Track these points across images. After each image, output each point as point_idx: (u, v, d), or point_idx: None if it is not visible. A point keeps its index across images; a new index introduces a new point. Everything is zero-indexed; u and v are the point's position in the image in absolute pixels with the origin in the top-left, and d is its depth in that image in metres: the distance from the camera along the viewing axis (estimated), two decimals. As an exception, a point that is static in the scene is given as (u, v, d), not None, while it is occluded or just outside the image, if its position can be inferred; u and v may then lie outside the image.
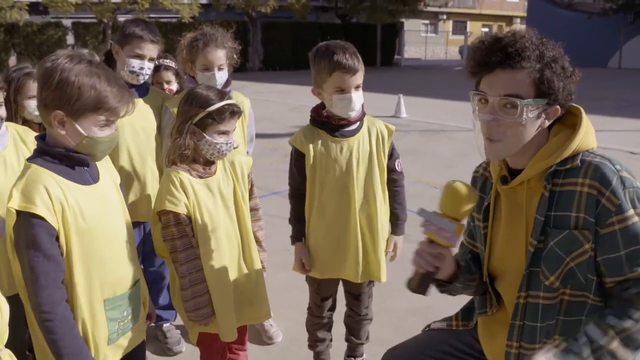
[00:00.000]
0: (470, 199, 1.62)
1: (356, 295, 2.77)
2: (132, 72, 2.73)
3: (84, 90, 1.70)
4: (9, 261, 1.78)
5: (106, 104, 1.74)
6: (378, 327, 3.38)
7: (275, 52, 29.39)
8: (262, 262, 2.51)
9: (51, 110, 1.72)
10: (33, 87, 2.70)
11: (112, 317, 1.88)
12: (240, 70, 26.31)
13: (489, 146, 1.66)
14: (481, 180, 1.89)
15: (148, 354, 3.13)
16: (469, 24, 46.41)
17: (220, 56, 2.82)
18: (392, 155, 2.65)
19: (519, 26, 46.78)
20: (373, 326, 3.06)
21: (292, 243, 2.68)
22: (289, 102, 14.20)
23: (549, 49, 1.61)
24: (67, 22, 24.91)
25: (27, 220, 1.68)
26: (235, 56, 2.93)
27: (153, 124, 2.85)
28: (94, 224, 1.80)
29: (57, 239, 1.72)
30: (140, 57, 2.73)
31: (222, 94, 2.25)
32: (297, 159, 2.56)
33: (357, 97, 2.43)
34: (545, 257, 1.63)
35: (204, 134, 2.19)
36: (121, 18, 25.40)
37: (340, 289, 2.80)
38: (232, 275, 2.32)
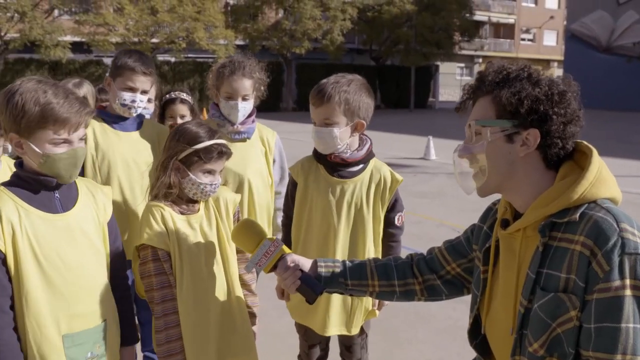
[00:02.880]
0: (243, 230, 1.87)
1: (347, 346, 2.57)
2: (124, 105, 2.64)
3: (27, 106, 1.66)
4: None
5: (52, 116, 1.67)
6: (382, 380, 3.17)
7: (309, 92, 29.51)
8: (250, 307, 2.35)
9: (8, 133, 1.71)
10: None
11: (72, 356, 1.78)
12: (273, 109, 26.80)
13: (474, 179, 1.54)
14: (492, 218, 1.68)
15: (137, 398, 2.99)
16: (505, 67, 46.31)
17: (247, 86, 2.72)
18: (394, 208, 2.45)
19: (556, 71, 46.53)
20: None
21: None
22: (318, 141, 14.19)
23: (523, 70, 1.47)
24: (108, 61, 25.73)
25: None
26: (262, 88, 2.83)
27: (146, 158, 2.75)
28: (50, 252, 1.74)
29: (5, 262, 1.68)
30: (132, 89, 2.63)
31: (213, 133, 2.12)
32: (292, 189, 2.46)
33: (321, 132, 2.29)
34: (531, 320, 1.41)
35: (189, 172, 2.08)
36: (160, 57, 26.17)
37: (334, 338, 2.61)
38: (214, 321, 2.15)
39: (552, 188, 1.42)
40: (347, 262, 1.83)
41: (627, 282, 1.25)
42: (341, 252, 2.36)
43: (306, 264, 1.80)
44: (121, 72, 2.62)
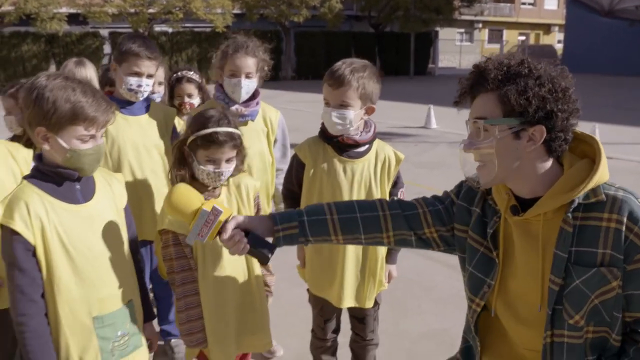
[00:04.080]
0: (177, 204, 1.75)
1: (360, 318, 2.67)
2: (130, 90, 2.69)
3: (58, 103, 1.73)
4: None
5: (82, 114, 1.75)
6: (389, 351, 3.27)
7: (308, 61, 29.48)
8: (268, 286, 2.44)
9: (34, 127, 1.76)
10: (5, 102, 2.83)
11: (103, 335, 1.88)
12: (272, 79, 26.61)
13: (478, 172, 1.61)
14: (481, 200, 1.77)
15: (154, 370, 3.10)
16: (505, 32, 45.81)
17: (249, 64, 2.77)
18: (396, 184, 2.56)
19: (557, 35, 46.11)
20: (382, 348, 2.95)
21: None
22: (319, 111, 14.17)
23: (524, 66, 1.53)
24: (105, 32, 25.51)
25: (6, 235, 1.75)
26: (266, 68, 2.88)
27: (155, 140, 2.80)
28: (78, 242, 1.82)
29: (35, 254, 1.76)
30: (138, 74, 2.68)
31: (222, 121, 2.13)
32: (298, 169, 2.52)
33: (337, 115, 2.34)
34: (569, 295, 1.55)
35: (194, 158, 2.13)
36: (157, 28, 25.93)
37: (345, 311, 2.71)
38: (234, 301, 2.24)
39: (568, 175, 1.54)
40: (305, 218, 1.80)
41: None
42: None
43: (254, 222, 1.77)
44: (126, 58, 2.66)
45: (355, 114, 2.34)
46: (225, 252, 2.19)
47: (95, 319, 1.86)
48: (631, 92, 20.25)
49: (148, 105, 2.84)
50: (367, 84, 2.32)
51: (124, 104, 2.74)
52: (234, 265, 2.23)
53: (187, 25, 26.16)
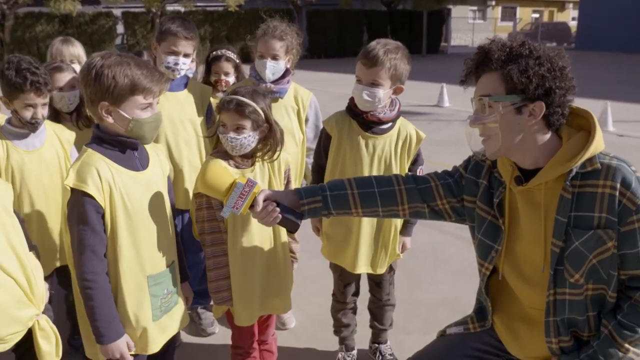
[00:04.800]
0: (212, 183, 1.94)
1: (377, 282, 2.87)
2: (168, 68, 2.87)
3: (118, 78, 1.88)
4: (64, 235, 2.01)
5: (140, 85, 1.91)
6: (405, 317, 3.45)
7: (320, 40, 29.34)
8: (293, 252, 2.61)
9: (97, 103, 1.92)
10: (60, 78, 2.96)
11: (154, 293, 2.06)
12: (284, 58, 26.49)
13: (484, 145, 1.78)
14: (487, 173, 1.93)
15: (183, 334, 3.29)
16: (518, 10, 45.26)
17: (276, 47, 2.93)
18: (416, 161, 2.71)
19: (571, 12, 45.41)
20: (400, 316, 3.12)
21: None
22: (331, 90, 14.24)
23: (525, 48, 1.68)
24: (117, 12, 25.53)
25: (78, 197, 1.89)
26: (295, 51, 3.03)
27: (191, 114, 2.98)
28: (137, 206, 1.99)
29: (103, 216, 1.92)
30: (175, 53, 2.86)
31: (249, 94, 2.26)
32: (325, 141, 2.68)
33: (368, 93, 2.47)
34: (569, 256, 1.72)
35: (220, 128, 2.30)
36: (169, 7, 25.91)
37: (364, 276, 2.88)
38: (260, 264, 2.40)
39: (566, 147, 1.70)
40: (328, 193, 2.00)
41: None
42: None
43: (281, 195, 1.98)
44: (165, 37, 2.84)
45: (384, 93, 2.48)
46: (253, 218, 2.36)
47: (149, 277, 2.03)
48: (646, 70, 20.02)
49: (186, 82, 3.02)
50: (398, 65, 2.46)
51: None
52: (262, 231, 2.39)
53: (199, 4, 26.13)
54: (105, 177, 1.91)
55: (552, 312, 1.78)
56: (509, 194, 1.86)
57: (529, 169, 1.78)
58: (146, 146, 2.13)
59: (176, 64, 2.87)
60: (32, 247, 2.09)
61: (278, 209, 1.89)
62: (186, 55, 2.90)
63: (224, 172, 1.96)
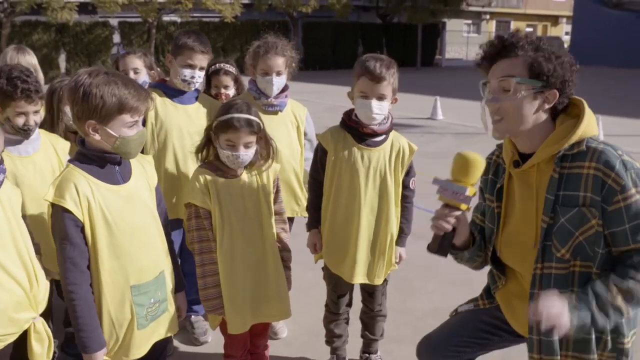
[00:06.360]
0: (477, 164, 1.82)
1: (370, 292, 2.92)
2: (184, 81, 2.98)
3: (106, 98, 1.94)
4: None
5: (128, 104, 1.97)
6: (396, 326, 3.48)
7: (316, 51, 29.49)
8: (285, 261, 2.65)
9: (84, 121, 1.98)
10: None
11: (139, 302, 2.10)
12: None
13: (494, 125, 1.89)
14: (494, 166, 2.09)
15: (176, 343, 3.32)
16: (512, 23, 45.60)
17: (279, 63, 3.04)
18: (408, 173, 2.79)
19: (564, 27, 45.85)
20: (390, 325, 3.16)
21: (308, 230, 2.87)
22: (325, 102, 14.34)
23: (544, 42, 1.84)
24: (114, 22, 25.62)
25: (58, 212, 1.95)
26: (294, 65, 3.15)
27: (199, 127, 3.02)
28: (118, 218, 2.03)
29: (83, 230, 1.97)
30: (192, 66, 2.97)
31: (243, 109, 2.35)
32: (322, 155, 2.75)
33: (378, 106, 2.56)
34: (557, 232, 1.84)
35: (218, 142, 2.38)
36: (166, 18, 26.02)
37: (357, 286, 2.92)
38: (250, 272, 2.45)
39: (558, 130, 1.85)
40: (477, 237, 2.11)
41: (634, 190, 1.74)
42: (366, 213, 2.68)
43: (463, 229, 1.97)
44: (182, 51, 2.94)
45: (388, 105, 2.61)
46: (241, 226, 2.40)
47: (132, 287, 2.07)
48: (638, 85, 20.22)
49: (197, 96, 3.11)
50: (395, 78, 2.60)
51: (176, 93, 3.04)
52: (250, 239, 2.45)
53: (195, 15, 26.24)
54: (83, 192, 1.96)
55: (537, 284, 1.89)
56: (508, 179, 2.00)
57: (527, 153, 1.91)
58: (132, 159, 2.17)
59: (192, 77, 2.97)
60: (34, 245, 2.16)
61: (449, 228, 1.88)
62: (202, 69, 3.01)
63: (478, 173, 1.86)
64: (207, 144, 2.44)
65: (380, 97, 2.56)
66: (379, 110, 2.57)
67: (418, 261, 4.47)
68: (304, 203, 3.16)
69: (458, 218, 1.88)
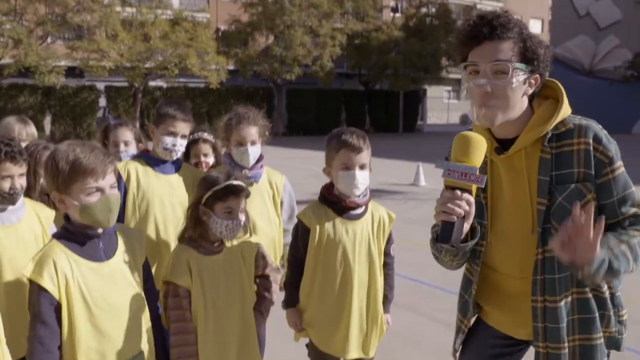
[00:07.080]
0: (480, 143, 1.69)
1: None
2: (166, 149, 2.98)
3: (60, 165, 1.90)
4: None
5: (80, 167, 1.90)
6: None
7: (299, 117, 30.00)
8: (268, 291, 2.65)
9: (51, 193, 1.96)
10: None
11: None
12: (263, 134, 26.85)
13: (483, 113, 1.80)
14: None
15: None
16: (491, 91, 46.91)
17: (252, 132, 3.07)
18: (388, 240, 2.82)
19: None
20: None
21: (285, 308, 2.81)
22: (310, 168, 14.43)
23: (524, 26, 1.84)
24: (101, 86, 25.95)
25: (34, 289, 1.91)
26: (267, 133, 3.19)
27: (181, 197, 3.05)
28: (98, 298, 1.97)
29: (60, 308, 1.91)
30: (174, 134, 2.98)
31: (229, 176, 2.42)
32: (303, 234, 2.73)
33: (361, 176, 2.61)
34: (555, 212, 1.83)
35: (212, 214, 2.36)
36: (152, 83, 26.43)
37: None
38: (231, 353, 2.39)
39: (539, 113, 1.87)
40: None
41: (620, 162, 1.81)
42: (357, 286, 2.67)
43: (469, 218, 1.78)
44: (163, 120, 2.97)
45: (368, 174, 2.66)
46: (222, 305, 2.37)
47: None
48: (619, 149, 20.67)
49: (179, 166, 3.13)
50: (369, 148, 2.65)
51: (159, 163, 3.03)
52: (231, 319, 2.41)
53: (181, 80, 26.70)
54: (62, 269, 1.91)
55: (539, 270, 1.86)
56: (490, 167, 1.96)
57: (507, 139, 1.89)
58: (119, 232, 2.14)
59: (174, 144, 2.98)
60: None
61: (462, 212, 1.67)
62: (183, 137, 3.02)
63: (481, 151, 1.71)
64: (196, 223, 2.40)
65: (362, 167, 2.61)
66: (363, 180, 2.61)
67: (402, 332, 4.45)
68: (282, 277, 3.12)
69: (469, 202, 1.67)
